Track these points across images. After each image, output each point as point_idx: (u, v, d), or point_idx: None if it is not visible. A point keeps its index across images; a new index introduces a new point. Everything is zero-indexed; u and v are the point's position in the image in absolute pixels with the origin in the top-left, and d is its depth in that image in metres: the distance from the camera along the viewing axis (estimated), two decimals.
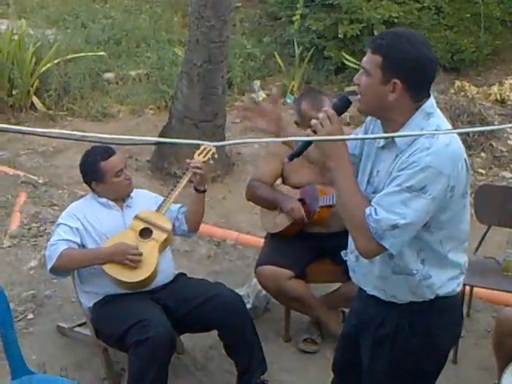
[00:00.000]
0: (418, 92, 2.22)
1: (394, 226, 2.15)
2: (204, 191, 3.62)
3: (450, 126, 2.28)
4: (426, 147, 2.14)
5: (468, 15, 8.30)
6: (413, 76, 2.18)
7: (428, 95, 2.26)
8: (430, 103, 2.25)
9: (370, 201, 2.23)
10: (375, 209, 2.17)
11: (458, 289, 2.40)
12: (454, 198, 2.21)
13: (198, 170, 3.51)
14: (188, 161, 3.56)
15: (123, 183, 3.52)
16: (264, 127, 2.51)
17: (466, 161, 2.23)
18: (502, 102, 7.16)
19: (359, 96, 2.27)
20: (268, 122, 2.50)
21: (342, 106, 2.32)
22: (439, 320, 2.38)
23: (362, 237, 2.21)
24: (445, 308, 2.38)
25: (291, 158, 2.35)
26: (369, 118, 2.44)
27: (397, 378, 2.45)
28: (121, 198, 3.56)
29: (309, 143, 2.31)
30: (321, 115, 2.25)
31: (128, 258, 3.31)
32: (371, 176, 2.35)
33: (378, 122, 2.37)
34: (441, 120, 2.25)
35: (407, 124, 2.23)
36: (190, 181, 3.63)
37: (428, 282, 2.32)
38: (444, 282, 2.34)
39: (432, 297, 2.34)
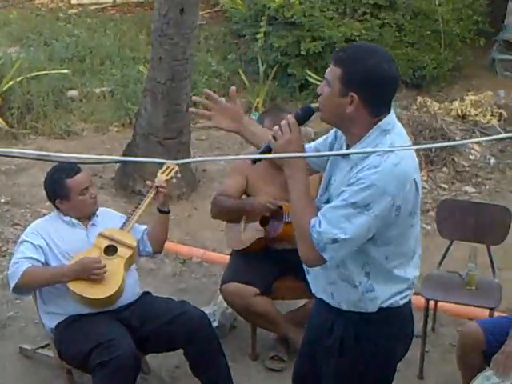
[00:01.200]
0: (376, 107, 2.24)
1: (335, 240, 2.19)
2: (168, 212, 3.60)
3: (406, 143, 2.30)
4: (374, 165, 2.16)
5: (428, 32, 8.44)
6: (370, 91, 2.20)
7: (388, 111, 2.27)
8: (388, 120, 2.26)
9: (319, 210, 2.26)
10: (320, 221, 2.21)
11: (402, 302, 2.40)
12: (400, 217, 2.23)
13: (162, 190, 3.49)
14: (149, 183, 3.54)
15: (88, 201, 3.48)
16: (225, 126, 2.51)
17: (415, 181, 2.25)
18: (463, 117, 7.27)
19: (321, 106, 2.30)
20: (229, 121, 2.50)
21: (303, 115, 2.37)
22: (384, 331, 2.40)
23: (305, 245, 2.25)
24: (389, 319, 2.40)
25: (254, 161, 2.39)
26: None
27: None
28: (85, 216, 3.53)
29: (269, 149, 2.34)
30: (282, 122, 2.30)
31: (93, 273, 3.27)
32: (329, 183, 2.39)
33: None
34: (397, 137, 2.26)
35: (362, 139, 2.26)
36: (154, 198, 3.61)
37: (371, 294, 2.34)
38: (388, 296, 2.36)
39: (374, 310, 2.36)
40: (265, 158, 2.45)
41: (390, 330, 2.41)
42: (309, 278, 2.53)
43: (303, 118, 2.37)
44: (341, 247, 2.20)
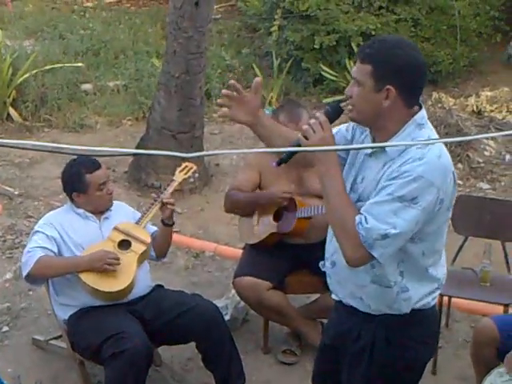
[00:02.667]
0: (411, 97, 2.22)
1: (385, 236, 2.13)
2: (172, 224, 3.60)
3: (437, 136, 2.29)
4: (419, 157, 2.13)
5: (445, 27, 8.38)
6: (404, 80, 2.18)
7: (420, 105, 2.26)
8: (422, 114, 2.25)
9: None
10: (365, 217, 2.15)
11: (433, 302, 2.39)
12: (440, 211, 2.21)
13: (170, 206, 3.49)
14: (156, 195, 3.53)
15: (105, 197, 3.49)
16: (241, 118, 2.40)
17: (454, 174, 2.23)
18: (478, 113, 7.22)
19: (350, 107, 2.25)
20: (244, 113, 2.40)
21: (333, 113, 2.31)
22: (415, 332, 2.37)
23: (351, 244, 2.18)
24: (420, 321, 2.37)
25: (279, 163, 2.32)
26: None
27: None
28: (99, 211, 3.53)
29: (289, 157, 2.27)
30: (312, 121, 2.24)
31: (106, 262, 3.27)
32: (355, 183, 2.33)
33: (363, 128, 2.36)
34: (432, 132, 2.26)
35: (399, 133, 2.23)
36: (171, 193, 3.62)
37: (405, 295, 2.30)
38: (421, 296, 2.33)
39: (408, 311, 2.33)
40: (287, 159, 2.31)
41: (421, 332, 2.38)
42: (330, 282, 2.48)
43: (333, 116, 2.30)
44: (390, 243, 2.15)
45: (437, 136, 2.31)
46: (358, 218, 2.17)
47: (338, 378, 2.52)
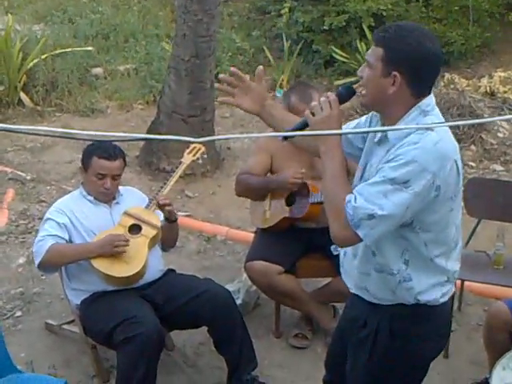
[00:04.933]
0: (418, 87, 2.19)
1: (371, 216, 2.11)
2: (175, 220, 3.58)
3: (446, 128, 2.22)
4: (414, 142, 2.11)
5: (456, 8, 8.29)
6: (413, 70, 2.15)
7: (429, 92, 2.22)
8: (428, 102, 2.21)
9: None
10: (355, 197, 2.15)
11: (443, 299, 2.33)
12: (439, 199, 2.16)
13: (167, 207, 3.46)
14: (155, 197, 3.49)
15: (99, 188, 3.46)
16: (247, 107, 2.44)
17: (456, 163, 2.18)
18: (491, 94, 7.15)
19: (362, 90, 2.24)
20: (251, 101, 2.43)
21: (345, 94, 2.30)
22: (419, 329, 2.35)
23: (338, 223, 2.18)
24: (425, 317, 2.34)
25: (285, 138, 2.32)
26: (372, 113, 2.40)
27: (375, 379, 2.43)
28: (95, 197, 3.51)
29: (304, 126, 2.27)
30: (322, 99, 2.23)
31: (115, 245, 3.27)
32: (364, 171, 2.32)
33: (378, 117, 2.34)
34: (437, 119, 2.22)
35: (403, 118, 2.20)
36: (181, 176, 3.60)
37: (407, 284, 2.28)
38: (426, 287, 2.29)
39: (412, 301, 2.30)
40: (295, 136, 2.35)
41: (425, 329, 2.35)
42: (342, 270, 2.48)
43: (345, 97, 2.29)
44: (377, 224, 2.12)
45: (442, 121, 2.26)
46: (348, 197, 2.16)
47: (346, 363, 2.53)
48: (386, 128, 2.24)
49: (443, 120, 2.27)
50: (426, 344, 2.37)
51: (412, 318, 2.33)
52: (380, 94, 2.18)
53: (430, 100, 2.22)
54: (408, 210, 2.13)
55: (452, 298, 2.42)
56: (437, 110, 2.25)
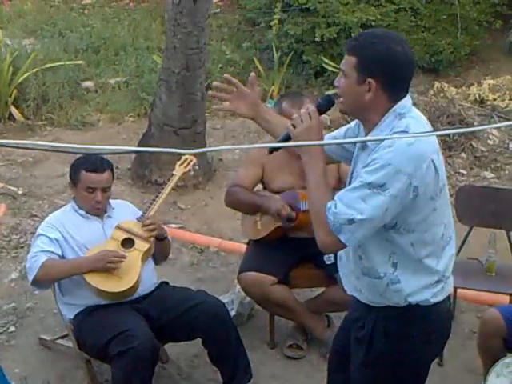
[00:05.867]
0: (394, 91, 2.24)
1: (351, 221, 2.16)
2: (164, 239, 3.59)
3: (423, 128, 2.25)
4: (388, 145, 2.15)
5: (445, 16, 8.35)
6: (386, 74, 2.20)
7: (405, 95, 2.26)
8: (403, 104, 2.25)
9: None
10: (335, 203, 2.20)
11: (434, 299, 2.34)
12: (419, 199, 2.19)
13: (152, 232, 3.44)
14: (142, 219, 3.48)
15: (90, 203, 3.46)
16: (242, 112, 2.54)
17: (434, 162, 2.20)
18: (481, 102, 7.19)
19: (340, 98, 2.30)
20: (246, 107, 2.53)
21: (324, 105, 2.38)
22: (415, 329, 2.36)
23: (321, 229, 2.23)
24: (420, 318, 2.35)
25: (271, 151, 2.41)
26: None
27: (373, 379, 2.45)
28: (88, 211, 3.50)
29: (288, 138, 2.35)
30: (302, 111, 2.31)
31: (109, 261, 3.27)
32: (352, 177, 2.37)
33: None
34: (413, 121, 2.24)
35: (379, 124, 2.25)
36: (173, 188, 3.61)
37: (396, 286, 2.30)
38: (415, 289, 2.31)
39: (402, 303, 2.32)
40: (281, 147, 2.45)
41: (421, 329, 2.36)
42: (341, 275, 2.52)
43: (324, 108, 2.38)
44: (357, 228, 2.17)
45: (422, 124, 2.27)
46: (329, 204, 2.21)
47: (346, 367, 2.55)
48: (368, 138, 2.29)
49: (423, 120, 2.30)
50: (422, 345, 2.38)
51: (406, 319, 2.35)
52: (357, 102, 2.24)
53: (406, 102, 2.26)
54: (387, 213, 2.17)
55: (448, 297, 2.43)
56: (414, 111, 2.29)
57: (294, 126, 2.30)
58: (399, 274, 2.29)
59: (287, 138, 2.35)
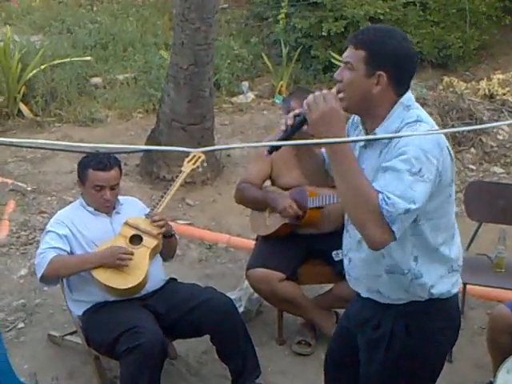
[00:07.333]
0: (401, 85, 2.25)
1: (407, 211, 2.10)
2: (172, 236, 3.59)
3: (429, 117, 2.28)
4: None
5: (454, 10, 8.31)
6: (396, 68, 2.21)
7: (408, 89, 2.28)
8: (408, 96, 2.27)
9: None
10: (386, 195, 2.09)
11: (454, 290, 2.37)
12: (441, 185, 2.21)
13: (161, 228, 3.44)
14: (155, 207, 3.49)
15: (98, 200, 3.46)
16: None
17: (449, 149, 2.24)
18: (490, 97, 7.14)
19: (342, 94, 2.22)
20: None
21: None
22: (435, 323, 2.36)
23: (373, 222, 2.09)
24: (440, 311, 2.37)
25: (270, 152, 2.22)
26: (350, 121, 2.43)
27: (393, 380, 2.43)
28: (97, 208, 3.51)
29: (293, 131, 2.19)
30: (317, 93, 2.16)
31: (118, 258, 3.27)
32: None
33: (356, 124, 2.38)
34: (420, 111, 2.27)
35: (388, 116, 2.24)
36: (181, 185, 3.61)
37: (419, 281, 2.30)
38: (435, 280, 2.32)
39: (426, 296, 2.32)
40: (282, 145, 2.33)
41: (440, 322, 2.37)
42: (349, 278, 2.48)
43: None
44: (409, 218, 2.13)
45: (427, 115, 2.29)
46: (380, 195, 2.09)
47: (350, 367, 2.54)
48: (384, 136, 2.24)
49: (423, 111, 2.31)
50: (442, 337, 2.39)
51: (427, 314, 2.35)
52: (364, 95, 2.21)
53: (409, 95, 2.28)
54: (426, 199, 2.15)
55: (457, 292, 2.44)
56: (416, 103, 2.31)
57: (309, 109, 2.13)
58: (420, 266, 2.29)
59: (302, 122, 2.16)
